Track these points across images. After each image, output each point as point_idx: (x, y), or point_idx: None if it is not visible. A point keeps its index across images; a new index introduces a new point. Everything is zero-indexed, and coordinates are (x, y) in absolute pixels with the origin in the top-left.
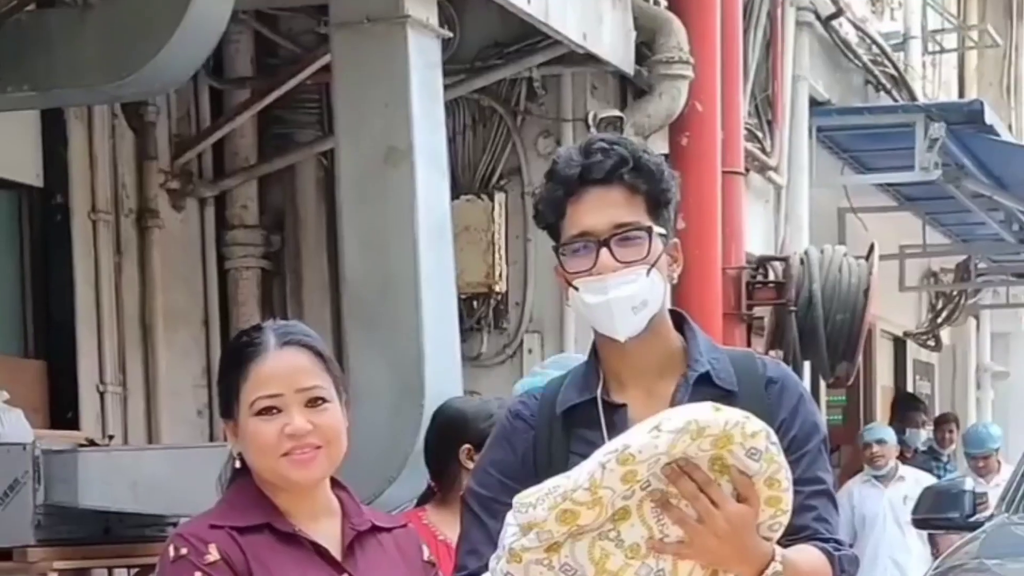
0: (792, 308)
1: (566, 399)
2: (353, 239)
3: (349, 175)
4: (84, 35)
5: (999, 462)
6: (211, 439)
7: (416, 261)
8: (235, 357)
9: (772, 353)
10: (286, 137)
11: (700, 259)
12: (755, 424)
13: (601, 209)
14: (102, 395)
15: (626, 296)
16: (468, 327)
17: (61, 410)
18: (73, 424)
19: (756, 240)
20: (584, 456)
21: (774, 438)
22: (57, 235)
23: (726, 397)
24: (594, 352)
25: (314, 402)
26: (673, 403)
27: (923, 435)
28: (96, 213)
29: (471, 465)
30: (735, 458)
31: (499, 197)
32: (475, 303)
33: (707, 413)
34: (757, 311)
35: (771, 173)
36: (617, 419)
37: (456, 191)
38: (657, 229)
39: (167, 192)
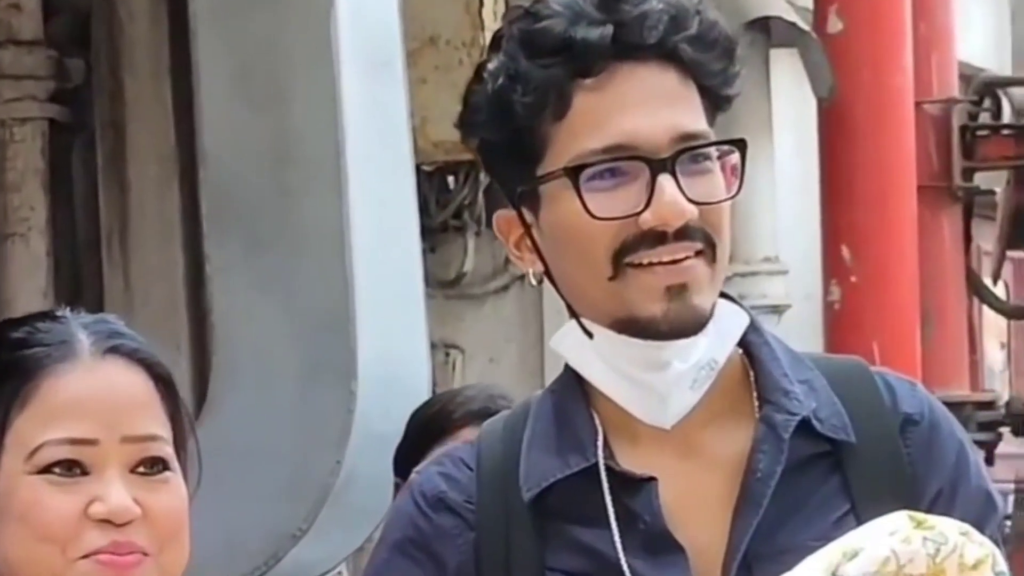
0: None
1: (538, 472)
2: (215, 71)
3: None
4: None
5: None
6: None
7: (336, 110)
8: (8, 364)
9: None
10: None
11: (872, 86)
12: (975, 549)
13: (651, 106)
14: None
15: (691, 366)
16: (437, 225)
17: None
18: None
19: (973, 45)
20: (573, 575)
21: (1001, 565)
22: None
23: (836, 454)
24: (577, 379)
25: (150, 465)
26: (749, 472)
27: None
28: None
29: None
30: None
31: None
32: (452, 178)
33: (911, 541)
34: (981, 179)
35: None
36: (638, 505)
37: None
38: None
39: None
